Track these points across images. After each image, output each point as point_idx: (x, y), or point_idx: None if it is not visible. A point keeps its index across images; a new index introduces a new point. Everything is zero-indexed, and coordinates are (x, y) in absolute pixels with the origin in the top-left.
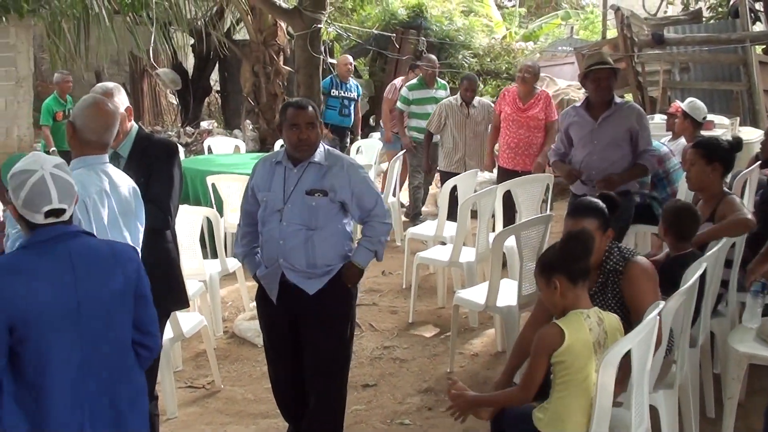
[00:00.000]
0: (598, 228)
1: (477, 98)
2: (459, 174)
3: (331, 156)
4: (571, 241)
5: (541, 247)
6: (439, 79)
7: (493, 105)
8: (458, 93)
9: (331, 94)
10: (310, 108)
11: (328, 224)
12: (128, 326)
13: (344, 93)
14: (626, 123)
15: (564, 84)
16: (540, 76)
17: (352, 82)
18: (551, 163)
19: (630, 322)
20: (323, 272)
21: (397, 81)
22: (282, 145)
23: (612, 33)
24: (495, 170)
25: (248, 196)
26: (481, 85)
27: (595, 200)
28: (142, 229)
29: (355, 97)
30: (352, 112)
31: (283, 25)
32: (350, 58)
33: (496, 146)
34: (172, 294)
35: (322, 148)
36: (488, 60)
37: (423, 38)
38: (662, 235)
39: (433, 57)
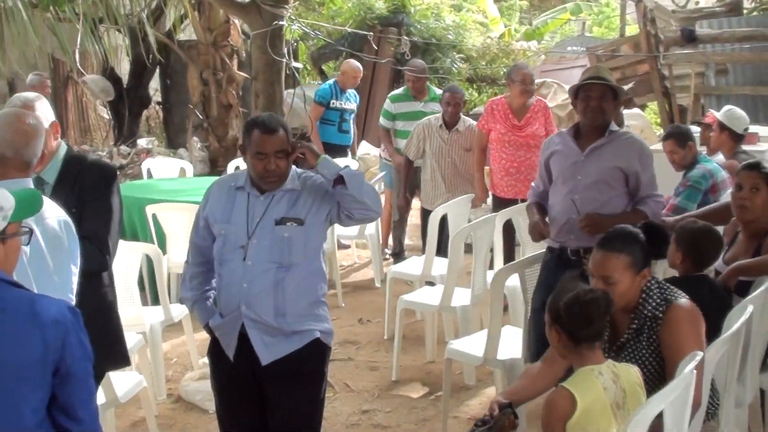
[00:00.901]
0: (631, 266)
1: (466, 119)
2: None
3: (303, 177)
4: (574, 305)
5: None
6: (432, 88)
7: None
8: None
9: (330, 105)
10: (281, 131)
11: (303, 261)
12: (32, 408)
13: (344, 104)
14: (622, 158)
15: None
16: (547, 83)
17: (350, 90)
18: (527, 206)
19: (664, 376)
20: (291, 330)
21: None
22: (237, 167)
23: (632, 29)
24: (489, 200)
25: (199, 228)
26: (475, 95)
27: (635, 230)
28: (76, 272)
29: (355, 108)
30: (351, 127)
31: (238, 22)
32: (359, 66)
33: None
34: (111, 351)
35: (293, 170)
36: (483, 64)
37: (405, 38)
38: (675, 262)
39: (420, 62)
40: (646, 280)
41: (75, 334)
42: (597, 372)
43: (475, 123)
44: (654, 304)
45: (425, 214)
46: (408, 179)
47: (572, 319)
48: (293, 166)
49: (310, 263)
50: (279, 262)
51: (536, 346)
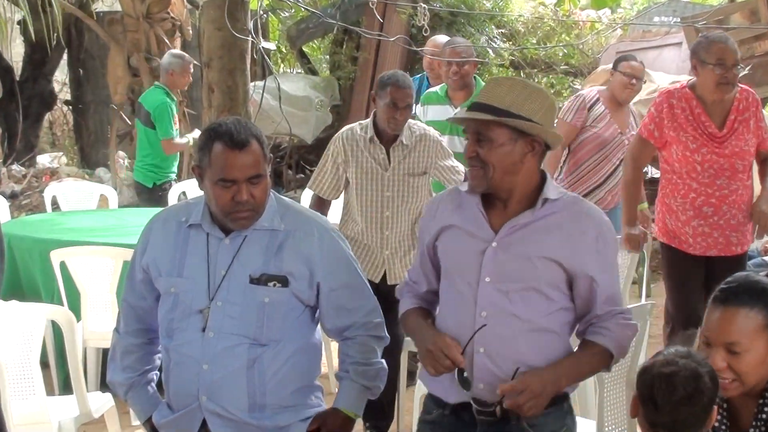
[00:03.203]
0: (765, 328)
1: (417, 126)
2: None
3: (291, 215)
4: (646, 375)
5: (635, 361)
6: (480, 80)
7: (439, 138)
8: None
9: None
10: (255, 143)
11: (288, 336)
12: None
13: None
14: (562, 246)
15: (665, 79)
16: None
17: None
18: (403, 316)
19: None
20: (273, 427)
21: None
22: (183, 193)
23: None
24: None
25: (135, 282)
26: None
27: (766, 281)
28: None
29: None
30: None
31: None
32: (443, 42)
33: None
34: None
35: (272, 200)
36: (534, 42)
37: (423, 5)
38: None
39: (460, 39)
40: None
41: None
42: None
43: (433, 132)
44: None
45: None
46: None
47: (640, 390)
48: (272, 194)
49: (299, 338)
50: (253, 337)
51: None
